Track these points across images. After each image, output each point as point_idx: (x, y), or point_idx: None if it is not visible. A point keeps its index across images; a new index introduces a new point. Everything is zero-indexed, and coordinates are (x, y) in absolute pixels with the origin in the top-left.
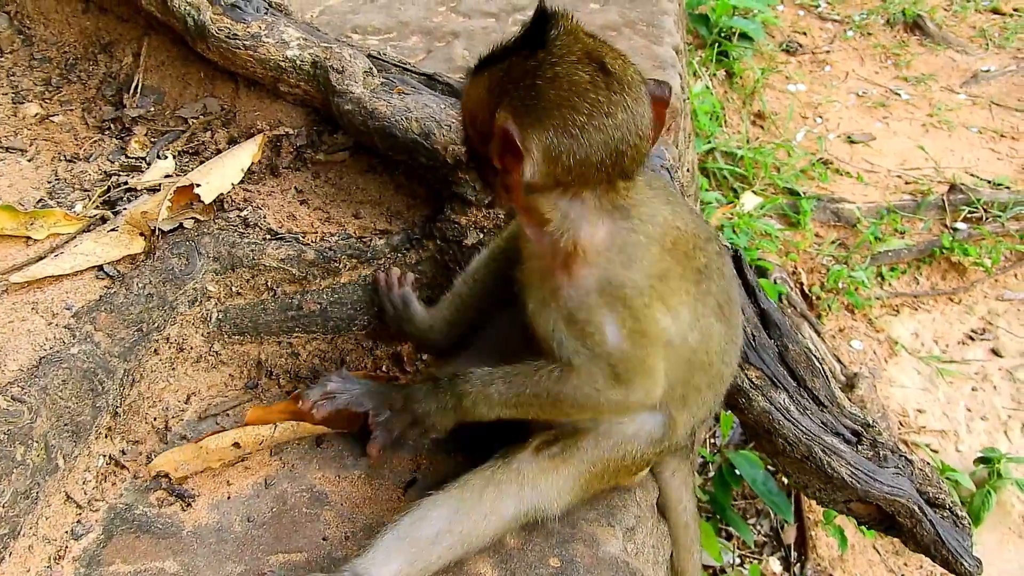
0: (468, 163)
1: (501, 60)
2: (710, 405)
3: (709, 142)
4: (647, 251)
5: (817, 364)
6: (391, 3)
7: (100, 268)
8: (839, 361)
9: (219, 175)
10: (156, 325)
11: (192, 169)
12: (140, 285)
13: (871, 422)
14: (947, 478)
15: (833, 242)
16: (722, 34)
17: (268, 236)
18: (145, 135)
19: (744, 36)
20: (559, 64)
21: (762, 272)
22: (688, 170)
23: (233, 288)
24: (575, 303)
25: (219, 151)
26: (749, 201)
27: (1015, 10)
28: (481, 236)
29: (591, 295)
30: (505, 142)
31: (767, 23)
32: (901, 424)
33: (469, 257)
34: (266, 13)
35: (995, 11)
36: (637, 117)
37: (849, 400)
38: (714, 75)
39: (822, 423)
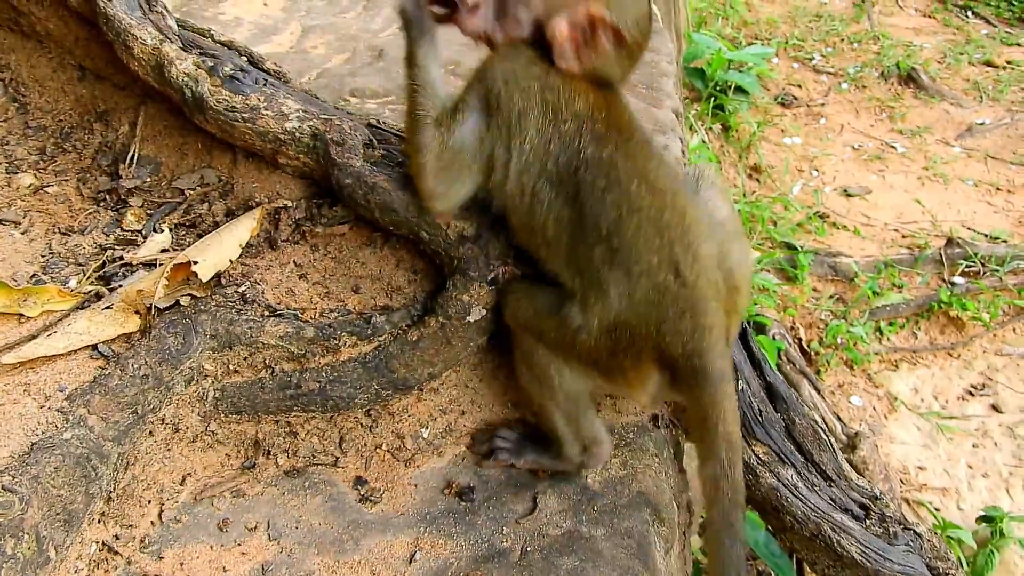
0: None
1: None
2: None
3: None
4: (530, 93)
5: (824, 437)
6: (390, 66)
7: (94, 348)
8: (839, 419)
9: (216, 251)
10: (151, 406)
11: (188, 242)
12: (135, 366)
13: (878, 494)
14: (949, 537)
15: (831, 297)
16: (718, 88)
17: (266, 313)
18: (141, 207)
19: (740, 89)
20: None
21: (760, 328)
22: None
23: (230, 366)
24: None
25: (216, 224)
26: None
27: (1008, 63)
28: (484, 312)
29: (479, 74)
30: (592, 26)
31: (762, 76)
32: (902, 482)
33: (472, 334)
34: (265, 84)
35: (988, 64)
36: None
37: (852, 463)
38: (710, 129)
39: (831, 499)
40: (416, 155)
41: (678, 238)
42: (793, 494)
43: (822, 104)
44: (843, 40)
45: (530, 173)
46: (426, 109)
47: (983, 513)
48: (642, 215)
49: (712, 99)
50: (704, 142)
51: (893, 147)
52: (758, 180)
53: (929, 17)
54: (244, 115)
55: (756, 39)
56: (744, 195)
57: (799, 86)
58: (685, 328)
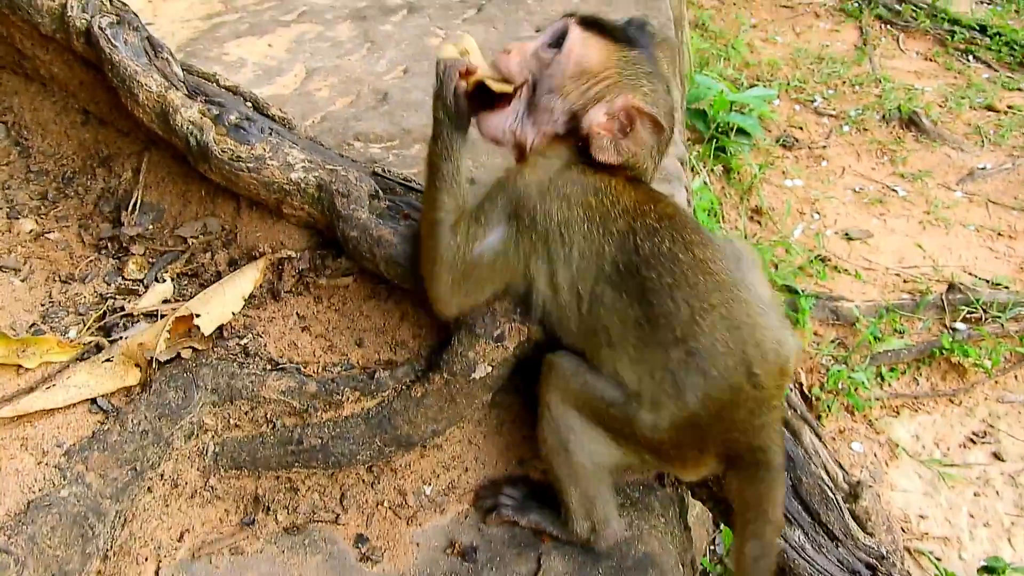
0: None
1: (615, 41)
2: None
3: None
4: (571, 203)
5: (831, 495)
6: (394, 110)
7: (94, 401)
8: (840, 467)
9: (219, 304)
10: (151, 462)
11: (191, 292)
12: (135, 421)
13: (885, 553)
14: None
15: (832, 341)
16: (720, 129)
17: (268, 366)
18: (143, 255)
19: (741, 131)
20: (659, 67)
21: None
22: None
23: (231, 421)
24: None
25: (219, 273)
26: None
27: (1009, 107)
28: (490, 370)
29: (497, 195)
30: (630, 116)
31: (764, 118)
32: (903, 530)
33: (477, 391)
34: (271, 133)
35: (990, 108)
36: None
37: (854, 513)
38: (712, 170)
39: (838, 560)
40: (431, 262)
41: (749, 338)
42: (801, 556)
43: (823, 146)
44: (845, 83)
45: (585, 280)
46: (447, 210)
47: (985, 563)
48: (714, 314)
49: (714, 141)
50: (706, 184)
51: (894, 191)
52: (759, 222)
53: (930, 60)
54: (249, 165)
55: (758, 81)
56: (745, 237)
57: (801, 128)
58: (755, 425)
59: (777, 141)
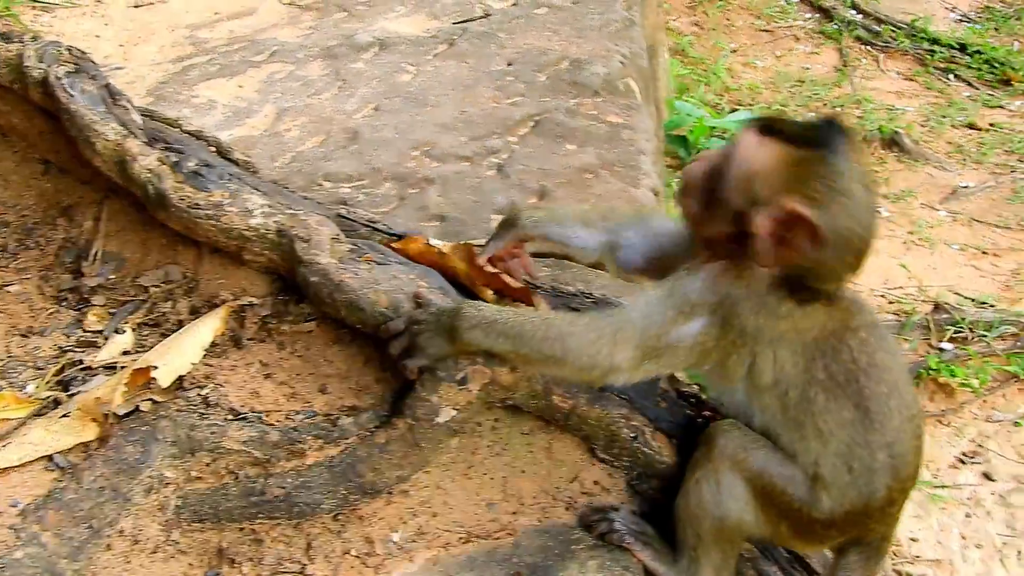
0: (698, 202)
1: (791, 143)
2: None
3: None
4: (783, 325)
5: None
6: (364, 149)
7: (50, 458)
8: None
9: (178, 354)
10: (109, 519)
11: (151, 343)
12: (91, 477)
13: None
14: None
15: None
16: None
17: (230, 416)
18: (103, 306)
19: None
20: (847, 175)
21: None
22: None
23: (192, 473)
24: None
25: (181, 322)
26: None
27: (991, 125)
28: (454, 413)
29: (708, 291)
30: (792, 221)
31: None
32: (895, 554)
33: (442, 435)
34: (229, 179)
35: (971, 126)
36: (873, 239)
37: None
38: None
39: None
40: (628, 333)
41: (921, 441)
42: None
43: None
44: (825, 105)
45: (795, 386)
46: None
47: None
48: (915, 423)
49: None
50: None
51: (878, 211)
52: None
53: (911, 80)
54: (208, 212)
55: (739, 105)
56: None
57: None
58: (895, 516)
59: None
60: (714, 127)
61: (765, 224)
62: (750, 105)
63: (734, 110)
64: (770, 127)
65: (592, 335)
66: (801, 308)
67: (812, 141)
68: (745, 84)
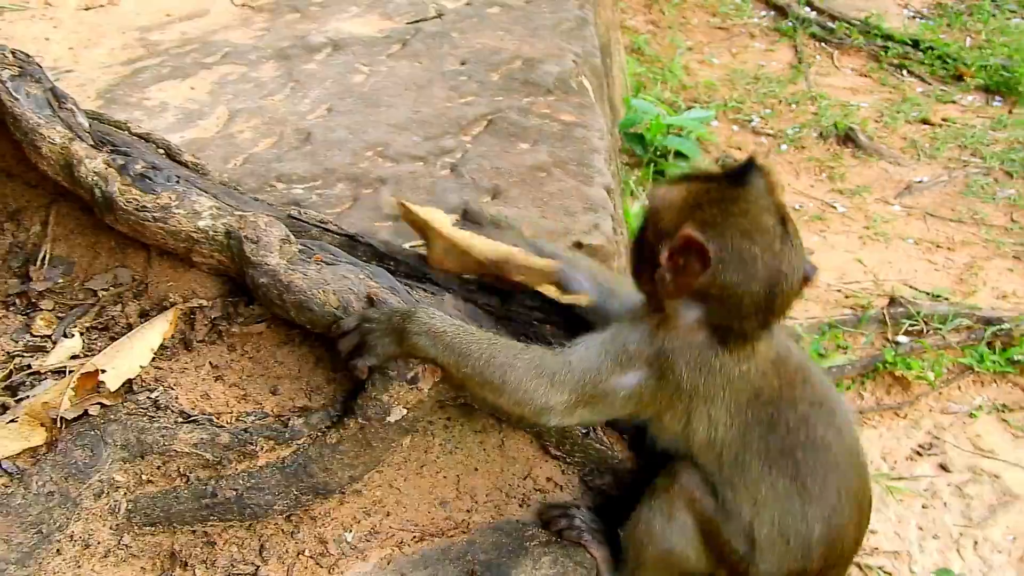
0: (633, 254)
1: (699, 181)
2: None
3: None
4: (717, 381)
5: None
6: (317, 149)
7: None
8: None
9: (126, 358)
10: (58, 524)
11: (101, 347)
12: (39, 482)
13: None
14: None
15: None
16: (658, 153)
17: (180, 419)
18: (52, 310)
19: (680, 154)
20: (752, 205)
21: None
22: None
23: (143, 476)
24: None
25: (130, 325)
26: None
27: (944, 120)
28: (405, 412)
29: (644, 344)
30: (686, 246)
31: (702, 139)
32: None
33: (393, 434)
34: (178, 181)
35: (925, 121)
36: (798, 275)
37: None
38: None
39: None
40: (566, 376)
41: (866, 515)
42: None
43: None
44: (781, 102)
45: (730, 448)
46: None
47: (934, 575)
48: (857, 500)
49: (652, 164)
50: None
51: (833, 207)
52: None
53: (865, 76)
54: (155, 215)
55: (695, 103)
56: None
57: (739, 148)
58: None
59: (716, 162)
60: (670, 124)
61: (664, 254)
62: (707, 102)
63: (690, 107)
64: (686, 175)
65: (532, 372)
66: (735, 362)
67: (719, 177)
68: (701, 81)
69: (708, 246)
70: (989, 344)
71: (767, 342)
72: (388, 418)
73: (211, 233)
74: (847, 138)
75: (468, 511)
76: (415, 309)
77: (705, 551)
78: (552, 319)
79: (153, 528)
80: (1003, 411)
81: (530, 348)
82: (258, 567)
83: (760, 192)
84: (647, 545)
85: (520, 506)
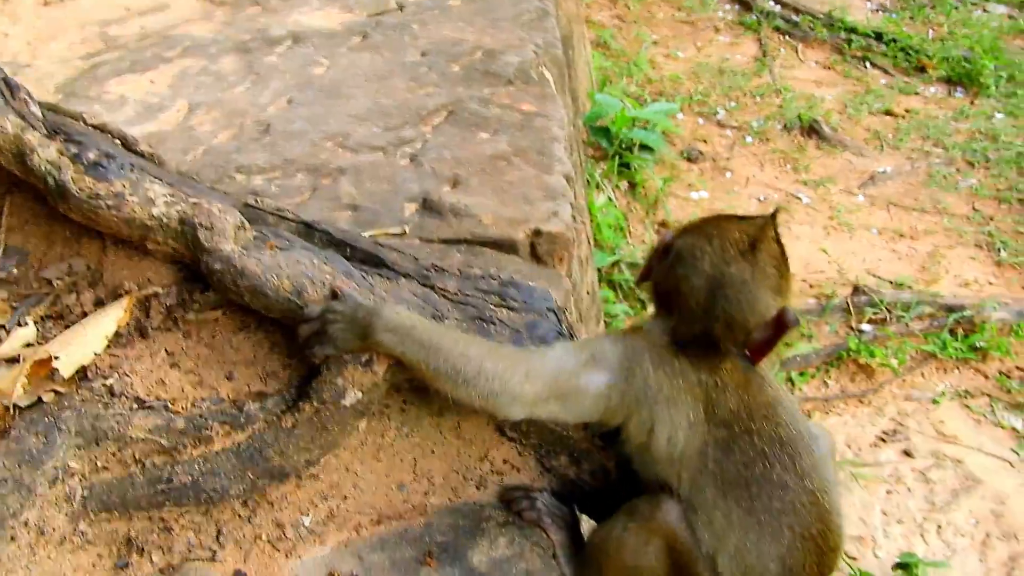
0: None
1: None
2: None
3: (614, 254)
4: (679, 384)
5: None
6: (276, 140)
7: None
8: None
9: (80, 345)
10: (12, 511)
11: (55, 335)
12: None
13: None
14: None
15: None
16: (623, 146)
17: (135, 405)
18: (6, 299)
19: (645, 147)
20: (730, 225)
21: None
22: (588, 292)
23: (98, 463)
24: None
25: (85, 314)
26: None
27: (907, 111)
28: (360, 395)
29: (615, 347)
30: (660, 243)
31: (668, 132)
32: None
33: (349, 418)
34: (132, 169)
35: (888, 113)
36: (749, 291)
37: None
38: (617, 187)
39: None
40: (540, 369)
41: (824, 563)
42: None
43: (727, 158)
44: (746, 94)
45: (687, 468)
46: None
47: (899, 560)
48: (815, 543)
49: (617, 157)
50: (611, 200)
51: (798, 198)
52: None
53: (829, 69)
54: (109, 202)
55: (661, 96)
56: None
57: (704, 141)
58: None
59: (681, 155)
60: (636, 118)
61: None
62: (672, 95)
63: (656, 101)
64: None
65: (507, 362)
66: (695, 369)
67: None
68: (667, 75)
69: (673, 241)
70: (951, 331)
71: (735, 366)
72: (343, 401)
73: (165, 220)
74: (811, 130)
75: (425, 494)
76: (381, 307)
77: (673, 573)
78: (508, 304)
79: (109, 514)
80: (965, 397)
81: (503, 344)
82: (215, 552)
83: (756, 225)
84: (613, 558)
85: (477, 488)
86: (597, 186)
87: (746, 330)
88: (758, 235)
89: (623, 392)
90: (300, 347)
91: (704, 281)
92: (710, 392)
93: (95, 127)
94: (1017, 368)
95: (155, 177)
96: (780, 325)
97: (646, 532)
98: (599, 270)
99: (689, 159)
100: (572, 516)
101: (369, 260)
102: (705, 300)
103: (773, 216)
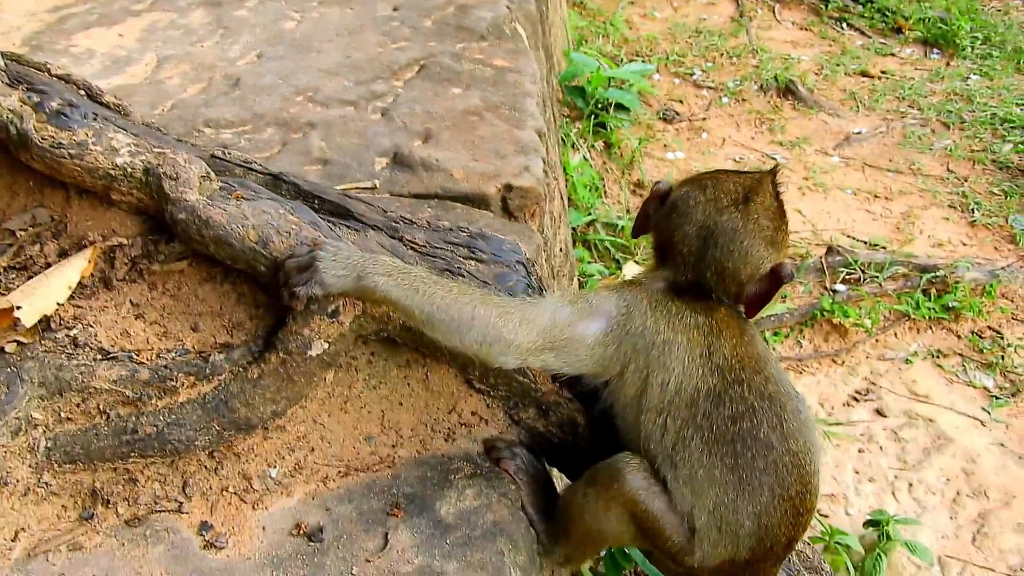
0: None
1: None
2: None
3: (589, 214)
4: (676, 326)
5: None
6: (246, 94)
7: None
8: None
9: (43, 295)
10: None
11: (17, 286)
12: None
13: None
14: (838, 543)
15: None
16: (599, 106)
17: (99, 356)
18: None
19: (621, 107)
20: (727, 178)
21: None
22: (561, 250)
23: (62, 414)
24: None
25: (48, 265)
26: (630, 271)
27: (883, 72)
28: (326, 346)
29: (611, 296)
30: (657, 191)
31: (644, 92)
32: None
33: (315, 369)
34: (95, 119)
35: (864, 74)
36: (739, 241)
37: None
38: (592, 147)
39: None
40: (536, 317)
41: (798, 523)
42: None
43: (703, 118)
44: (723, 55)
45: (675, 419)
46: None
47: (869, 517)
48: (792, 504)
49: (593, 117)
50: (586, 159)
51: (774, 158)
52: (641, 196)
53: (806, 30)
54: (71, 152)
55: (637, 56)
56: (628, 211)
57: (681, 101)
58: (772, 572)
59: (657, 115)
60: (612, 77)
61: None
62: (648, 56)
63: (632, 61)
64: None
65: (502, 310)
66: (691, 312)
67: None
68: (643, 35)
69: (672, 190)
70: (924, 291)
71: (729, 315)
72: (309, 352)
73: (129, 170)
74: (787, 90)
75: (393, 446)
76: (379, 254)
77: (640, 536)
78: (477, 256)
79: (73, 466)
80: (938, 357)
81: (497, 292)
82: (181, 503)
83: (752, 178)
84: (577, 522)
85: (446, 440)
86: (572, 145)
87: (738, 281)
88: (753, 187)
89: (620, 339)
90: (280, 285)
91: (696, 229)
92: (707, 336)
93: (59, 77)
94: (989, 328)
95: (119, 127)
96: (775, 279)
97: (604, 500)
98: (574, 229)
99: (665, 119)
100: (544, 472)
101: (337, 212)
102: (697, 249)
103: (772, 172)
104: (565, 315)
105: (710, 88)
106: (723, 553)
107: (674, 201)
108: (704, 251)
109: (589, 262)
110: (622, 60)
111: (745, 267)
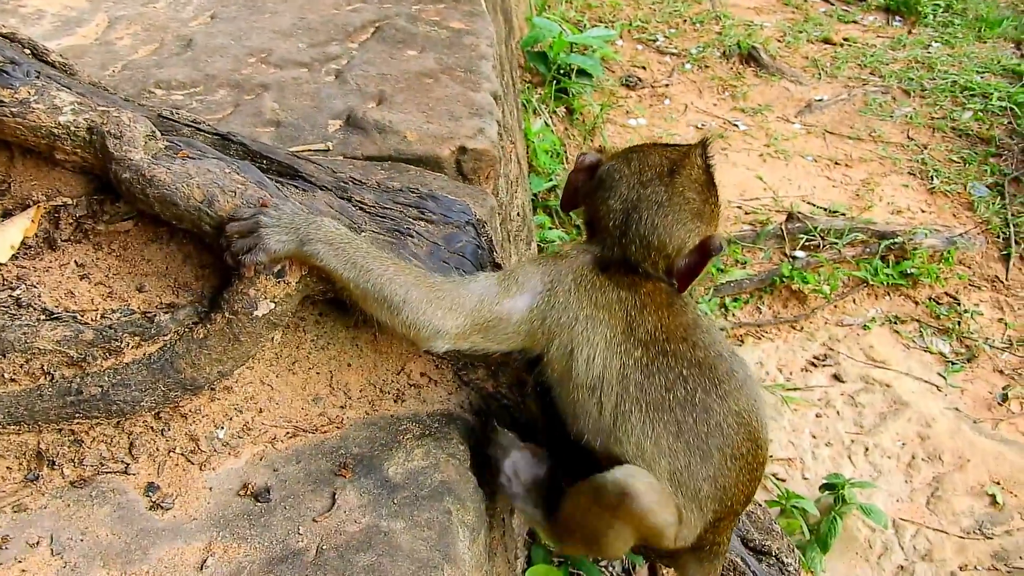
0: None
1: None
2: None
3: (551, 180)
4: (599, 301)
5: None
6: (198, 56)
7: None
8: None
9: None
10: None
11: None
12: None
13: None
14: (794, 507)
15: None
16: (561, 71)
17: (43, 317)
18: None
19: (583, 72)
20: (654, 151)
21: None
22: (518, 214)
23: (5, 375)
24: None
25: None
26: None
27: (845, 40)
28: (272, 306)
29: (537, 270)
30: (580, 165)
31: (606, 58)
32: None
33: (261, 329)
34: (38, 77)
35: (826, 41)
36: (663, 215)
37: None
38: (554, 112)
39: None
40: (463, 301)
41: (752, 479)
42: None
43: (666, 85)
44: (686, 21)
45: (608, 394)
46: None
47: (826, 481)
48: (745, 461)
49: (555, 82)
50: (548, 125)
51: (735, 125)
52: None
53: None
54: (13, 109)
55: (600, 22)
56: None
57: (643, 68)
58: (728, 528)
59: (620, 81)
60: (574, 43)
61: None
62: (611, 21)
63: (595, 26)
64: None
65: (432, 295)
66: (614, 286)
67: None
68: (606, 1)
69: (600, 163)
70: (883, 258)
71: (657, 288)
72: (255, 312)
73: (73, 129)
74: (750, 57)
75: (342, 407)
76: (322, 217)
77: (643, 539)
78: (427, 216)
79: (18, 427)
80: (895, 323)
81: (432, 274)
82: (127, 464)
83: (680, 151)
84: (579, 532)
85: (395, 401)
86: (534, 111)
87: (664, 254)
88: (680, 160)
89: (544, 313)
90: (224, 249)
91: (621, 204)
92: (629, 311)
93: (3, 36)
94: (946, 294)
95: (63, 86)
96: (704, 252)
97: (610, 518)
98: (535, 195)
99: (627, 85)
100: (544, 473)
101: (285, 172)
102: (622, 223)
103: (701, 144)
104: (491, 295)
105: (673, 54)
106: (697, 522)
107: (600, 176)
108: (628, 226)
109: (550, 228)
110: (585, 25)
111: (671, 240)
